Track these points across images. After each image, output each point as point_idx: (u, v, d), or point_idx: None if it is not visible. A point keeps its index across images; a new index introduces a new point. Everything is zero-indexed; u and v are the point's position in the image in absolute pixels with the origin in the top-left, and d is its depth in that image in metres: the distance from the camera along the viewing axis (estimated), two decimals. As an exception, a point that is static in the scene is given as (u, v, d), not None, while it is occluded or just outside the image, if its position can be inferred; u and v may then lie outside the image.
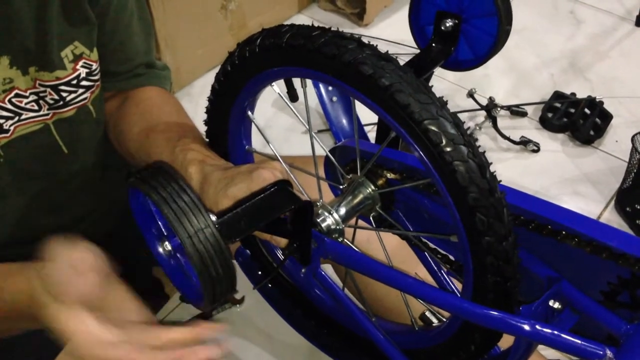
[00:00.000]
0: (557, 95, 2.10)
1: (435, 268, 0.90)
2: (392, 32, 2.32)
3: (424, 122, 0.63)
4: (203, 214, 0.56)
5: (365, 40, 0.69)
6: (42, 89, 0.90)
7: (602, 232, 0.67)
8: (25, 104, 0.90)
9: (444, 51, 1.35)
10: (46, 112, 0.92)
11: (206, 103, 0.88)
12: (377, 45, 0.68)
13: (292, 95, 1.82)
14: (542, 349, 1.13)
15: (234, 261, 0.83)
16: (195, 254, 0.56)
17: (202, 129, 0.93)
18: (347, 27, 2.42)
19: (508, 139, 1.98)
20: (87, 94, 0.95)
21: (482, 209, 0.64)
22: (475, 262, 0.68)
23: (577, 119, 2.01)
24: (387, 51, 0.68)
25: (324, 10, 2.49)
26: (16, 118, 0.89)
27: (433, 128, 0.63)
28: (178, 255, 0.59)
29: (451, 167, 0.63)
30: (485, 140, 2.00)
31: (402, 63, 0.67)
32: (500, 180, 0.66)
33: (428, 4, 1.42)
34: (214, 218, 0.62)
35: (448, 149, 0.63)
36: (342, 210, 0.81)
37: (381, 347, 0.86)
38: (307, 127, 0.82)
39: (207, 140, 0.92)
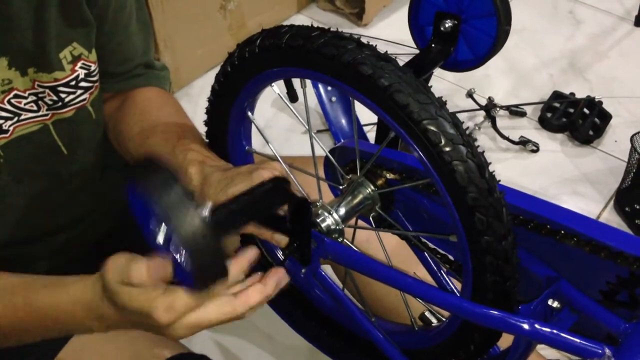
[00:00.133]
0: (556, 95, 2.10)
1: (435, 268, 0.90)
2: (391, 32, 2.32)
3: (423, 122, 0.63)
4: (189, 205, 0.58)
5: (364, 40, 0.69)
6: (40, 89, 0.90)
7: (601, 231, 0.67)
8: (24, 104, 0.90)
9: (443, 51, 1.35)
10: (45, 112, 0.92)
11: (206, 103, 0.88)
12: (376, 46, 0.68)
13: (292, 96, 1.82)
14: (541, 349, 1.13)
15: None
16: (184, 242, 0.58)
17: (202, 129, 0.93)
18: (346, 27, 2.42)
19: (507, 139, 1.98)
20: (86, 95, 0.95)
21: (481, 209, 0.64)
22: (475, 261, 0.68)
23: (576, 119, 2.01)
24: (387, 51, 0.68)
25: (323, 10, 2.49)
26: (15, 118, 0.89)
27: (432, 128, 0.63)
28: (171, 243, 0.60)
29: (450, 167, 0.63)
30: (485, 140, 2.00)
31: (401, 63, 0.68)
32: (499, 180, 0.66)
33: (427, 5, 1.43)
34: (207, 211, 0.65)
35: (447, 149, 0.63)
36: (342, 211, 0.81)
37: (381, 348, 0.86)
38: (307, 127, 0.82)
39: (207, 140, 0.92)
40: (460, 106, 2.06)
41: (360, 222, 0.90)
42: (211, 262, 0.60)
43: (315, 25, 0.72)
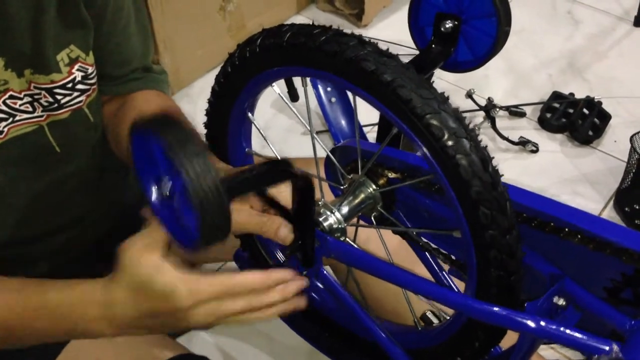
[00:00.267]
0: (556, 96, 2.10)
1: (436, 268, 0.90)
2: (391, 33, 2.32)
3: (426, 116, 0.63)
4: (207, 159, 0.59)
5: (364, 40, 0.69)
6: (36, 91, 0.90)
7: (605, 228, 0.67)
8: (20, 105, 0.89)
9: (443, 52, 1.35)
10: (40, 114, 0.92)
11: (205, 104, 0.88)
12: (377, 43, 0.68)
13: (293, 95, 1.82)
14: (542, 350, 1.13)
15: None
16: (196, 195, 0.58)
17: (202, 130, 0.93)
18: (346, 28, 2.39)
19: (507, 139, 1.97)
20: (83, 97, 0.95)
21: (486, 202, 0.64)
22: (479, 256, 0.68)
23: (576, 119, 2.01)
24: (388, 48, 0.68)
25: (322, 11, 2.49)
26: (10, 119, 0.89)
27: (435, 122, 0.63)
28: (174, 199, 0.60)
29: (454, 161, 0.63)
30: (484, 140, 1.97)
31: (402, 63, 0.68)
32: (502, 175, 0.66)
33: (428, 5, 1.43)
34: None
35: (450, 143, 0.63)
36: (344, 209, 0.81)
37: (384, 347, 0.86)
38: (308, 127, 0.82)
39: (207, 142, 0.92)
40: (459, 107, 2.05)
41: (361, 223, 0.90)
42: (218, 221, 0.60)
43: (315, 25, 0.72)
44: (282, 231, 0.78)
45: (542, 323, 0.65)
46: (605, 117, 2.03)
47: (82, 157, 1.01)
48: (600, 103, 2.03)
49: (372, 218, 0.86)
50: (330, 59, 0.68)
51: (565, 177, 1.92)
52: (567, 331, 0.64)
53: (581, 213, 0.69)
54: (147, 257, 0.68)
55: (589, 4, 2.51)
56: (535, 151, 1.97)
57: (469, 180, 0.63)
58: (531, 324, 0.65)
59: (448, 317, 0.84)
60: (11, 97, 0.88)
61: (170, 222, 0.63)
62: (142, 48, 1.05)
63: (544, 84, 2.20)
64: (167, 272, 0.68)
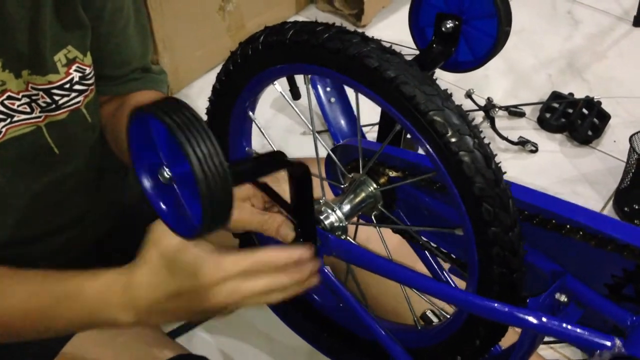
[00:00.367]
0: (555, 96, 2.10)
1: (436, 267, 0.90)
2: (390, 33, 2.31)
3: (430, 113, 0.63)
4: (213, 140, 0.58)
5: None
6: (34, 92, 0.90)
7: (607, 224, 0.67)
8: (18, 106, 0.89)
9: (444, 52, 1.35)
10: (38, 114, 0.92)
11: (205, 104, 0.88)
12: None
13: (295, 93, 1.82)
14: (541, 350, 1.13)
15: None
16: (202, 174, 0.57)
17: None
18: (345, 28, 2.41)
19: (506, 139, 1.98)
20: (80, 98, 0.95)
21: (489, 199, 0.64)
22: (481, 253, 0.68)
23: (575, 119, 2.01)
24: (391, 45, 0.68)
25: (321, 11, 2.49)
26: (8, 120, 0.89)
27: (439, 119, 0.63)
28: (175, 185, 0.60)
29: (457, 158, 0.63)
30: (484, 140, 2.00)
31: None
32: (505, 172, 0.66)
33: (428, 6, 1.43)
34: None
35: (454, 140, 0.63)
36: (345, 208, 0.81)
37: (385, 345, 0.86)
38: (310, 126, 0.82)
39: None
40: (459, 106, 2.05)
41: (362, 222, 0.90)
42: (222, 204, 0.60)
43: (315, 26, 0.72)
44: (284, 229, 0.79)
45: (544, 319, 0.65)
46: (604, 117, 2.03)
47: (80, 158, 1.01)
48: (599, 103, 2.04)
49: (373, 217, 0.86)
50: (333, 56, 0.68)
51: (564, 177, 1.92)
52: (569, 327, 0.64)
53: (582, 209, 0.69)
54: (173, 235, 0.69)
55: (589, 4, 2.51)
56: (535, 151, 1.98)
57: (472, 177, 0.63)
58: (533, 320, 0.65)
59: (448, 316, 0.84)
60: (9, 97, 0.88)
61: (167, 211, 0.63)
62: (142, 48, 1.05)
63: (544, 84, 2.20)
64: (192, 248, 0.70)
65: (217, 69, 0.83)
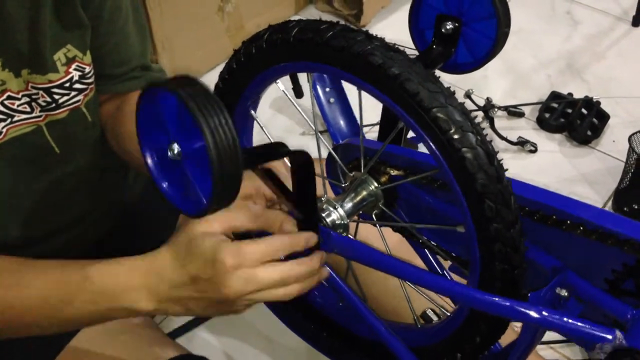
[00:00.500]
0: (554, 96, 2.10)
1: (436, 265, 0.91)
2: (389, 34, 2.30)
3: (433, 109, 0.64)
4: (224, 111, 0.58)
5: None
6: (34, 91, 0.90)
7: (607, 219, 0.67)
8: (18, 106, 0.89)
9: (444, 53, 1.36)
10: (38, 114, 0.92)
11: (204, 104, 0.88)
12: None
13: (297, 91, 1.82)
14: (541, 350, 1.13)
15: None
16: (215, 147, 0.57)
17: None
18: (345, 29, 2.42)
19: (505, 139, 1.98)
20: (80, 97, 0.95)
21: (491, 196, 0.64)
22: (483, 250, 0.68)
23: (574, 119, 2.01)
24: (395, 43, 0.68)
25: (321, 11, 2.50)
26: (8, 120, 0.89)
27: (442, 115, 0.64)
28: (184, 162, 0.60)
29: (460, 154, 0.64)
30: (484, 140, 2.00)
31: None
32: (507, 170, 0.66)
33: (428, 8, 1.43)
34: None
35: (457, 136, 0.64)
36: (347, 206, 0.81)
37: (386, 343, 0.86)
38: (312, 125, 0.82)
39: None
40: (459, 106, 2.06)
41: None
42: (232, 180, 0.60)
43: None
44: (287, 226, 0.79)
45: (545, 313, 0.65)
46: (603, 117, 2.03)
47: (81, 157, 1.01)
48: (598, 103, 2.04)
49: (374, 216, 0.86)
50: (337, 53, 0.69)
51: (563, 177, 1.92)
52: (570, 320, 0.64)
53: (582, 205, 0.70)
54: (199, 221, 0.73)
55: (588, 4, 2.52)
56: (534, 151, 1.98)
57: (475, 174, 0.64)
58: (534, 314, 0.65)
59: (449, 314, 0.84)
60: (9, 97, 0.88)
61: (172, 190, 0.64)
62: (141, 47, 1.05)
63: (543, 84, 2.21)
64: (213, 236, 0.72)
65: (217, 70, 0.84)
